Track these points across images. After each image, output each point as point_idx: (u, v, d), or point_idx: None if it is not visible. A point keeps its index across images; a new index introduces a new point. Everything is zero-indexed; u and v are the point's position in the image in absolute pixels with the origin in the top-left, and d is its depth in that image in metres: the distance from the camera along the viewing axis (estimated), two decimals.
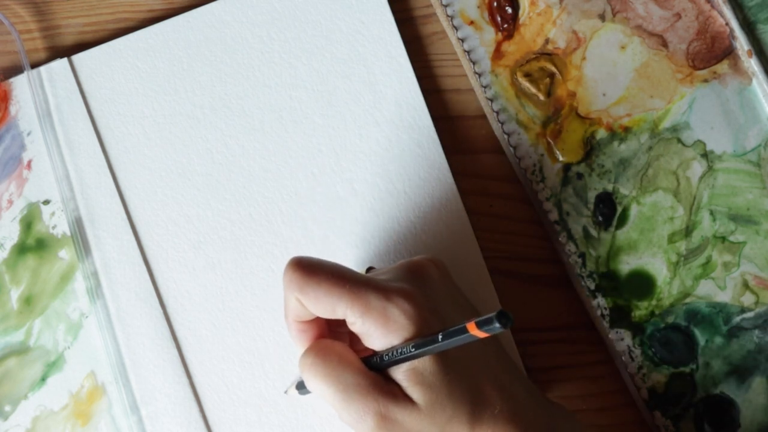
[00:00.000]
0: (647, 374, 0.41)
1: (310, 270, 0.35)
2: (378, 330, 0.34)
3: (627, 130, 0.43)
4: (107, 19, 0.44)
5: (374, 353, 0.35)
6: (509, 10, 0.43)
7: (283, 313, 0.38)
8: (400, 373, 0.34)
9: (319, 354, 0.35)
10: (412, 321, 0.34)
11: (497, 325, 0.29)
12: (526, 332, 0.42)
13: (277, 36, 0.44)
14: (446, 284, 0.38)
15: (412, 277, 0.36)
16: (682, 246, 0.42)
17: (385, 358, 0.34)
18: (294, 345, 0.37)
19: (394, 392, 0.34)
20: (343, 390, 0.34)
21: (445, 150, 0.42)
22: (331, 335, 0.38)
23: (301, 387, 0.39)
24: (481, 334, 0.30)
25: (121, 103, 0.43)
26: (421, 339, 0.33)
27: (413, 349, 0.33)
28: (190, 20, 0.44)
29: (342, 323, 0.37)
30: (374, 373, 0.35)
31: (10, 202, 0.42)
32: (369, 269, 0.42)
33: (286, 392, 0.41)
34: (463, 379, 0.34)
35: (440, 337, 0.32)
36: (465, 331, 0.31)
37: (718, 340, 0.41)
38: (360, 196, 0.42)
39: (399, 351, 0.34)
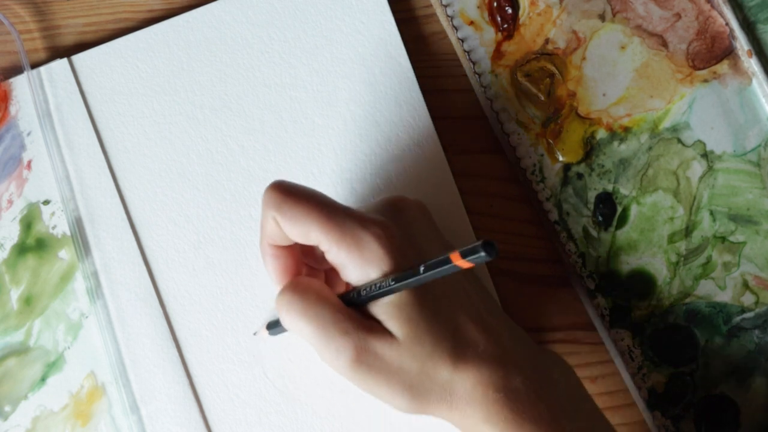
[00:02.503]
0: (647, 374, 0.41)
1: (290, 191, 0.34)
2: (353, 260, 0.34)
3: (627, 130, 0.43)
4: (107, 19, 0.44)
5: (352, 288, 0.35)
6: (509, 10, 0.43)
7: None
8: (378, 308, 0.34)
9: (296, 291, 0.34)
10: (387, 251, 0.33)
11: (483, 253, 0.28)
12: (526, 332, 0.42)
13: (277, 36, 0.44)
14: (426, 221, 0.37)
15: (391, 211, 0.36)
16: (682, 246, 0.42)
17: (363, 292, 0.34)
18: (268, 276, 0.37)
19: (372, 327, 0.34)
20: (322, 327, 0.34)
21: (445, 150, 0.42)
22: (307, 272, 0.38)
23: (271, 327, 0.39)
24: (465, 264, 0.30)
25: (121, 103, 0.43)
26: (400, 272, 0.33)
27: (393, 283, 0.32)
28: (190, 20, 0.44)
29: (320, 260, 0.37)
30: (352, 308, 0.34)
31: (10, 202, 0.42)
32: None
33: (255, 334, 0.41)
34: (444, 313, 0.34)
35: (422, 268, 0.31)
36: (448, 261, 0.30)
37: (718, 340, 0.41)
38: (360, 196, 0.42)
39: (378, 285, 0.33)
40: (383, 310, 0.34)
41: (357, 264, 0.34)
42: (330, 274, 0.38)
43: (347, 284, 0.36)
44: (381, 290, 0.33)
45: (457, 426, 0.35)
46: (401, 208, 0.37)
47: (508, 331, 0.36)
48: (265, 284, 0.41)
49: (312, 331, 0.34)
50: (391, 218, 0.35)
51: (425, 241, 0.36)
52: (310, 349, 0.41)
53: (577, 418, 0.35)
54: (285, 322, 0.35)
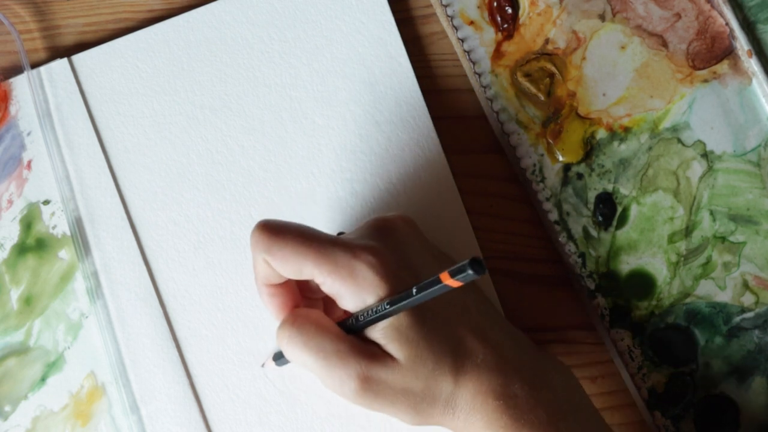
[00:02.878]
0: (647, 374, 0.41)
1: (277, 230, 0.35)
2: (348, 288, 0.34)
3: (627, 130, 0.43)
4: (107, 19, 0.44)
5: (350, 315, 0.35)
6: (509, 10, 0.43)
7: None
8: (377, 332, 0.34)
9: (296, 324, 0.35)
10: (381, 277, 0.34)
11: (470, 272, 0.29)
12: (526, 332, 0.42)
13: (277, 36, 0.44)
14: (416, 238, 0.38)
15: (379, 234, 0.36)
16: (682, 246, 0.42)
17: (361, 318, 0.34)
18: (268, 313, 0.37)
19: (373, 352, 0.34)
20: (323, 357, 0.34)
21: (445, 150, 0.42)
22: (304, 303, 0.38)
23: (278, 358, 0.39)
24: (455, 284, 0.30)
25: (121, 103, 0.43)
26: (395, 295, 0.33)
27: (388, 306, 0.33)
28: (190, 20, 0.44)
29: (315, 290, 0.37)
30: (352, 336, 0.35)
31: (10, 202, 0.42)
32: (339, 234, 0.42)
33: (263, 366, 0.41)
34: (442, 329, 0.34)
35: (414, 290, 0.32)
36: (439, 281, 0.31)
37: (718, 340, 0.41)
38: (360, 196, 0.42)
39: (374, 310, 0.33)
40: (382, 334, 0.34)
41: (352, 292, 0.34)
42: (327, 300, 0.38)
43: (345, 310, 0.36)
44: (378, 314, 0.33)
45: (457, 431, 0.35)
46: (388, 228, 0.37)
47: (507, 338, 0.36)
48: None
49: (314, 363, 0.34)
50: (380, 241, 0.35)
51: (417, 257, 0.36)
52: None
53: (576, 421, 0.35)
54: (288, 355, 0.35)
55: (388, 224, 0.37)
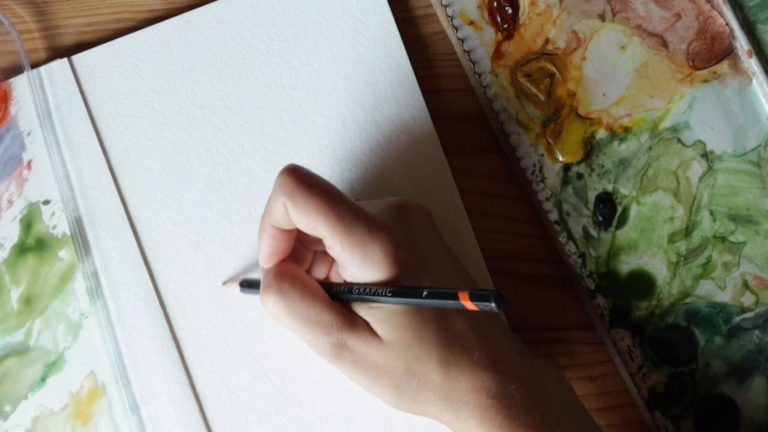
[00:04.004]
0: (647, 374, 0.41)
1: (306, 181, 0.34)
2: (355, 261, 0.34)
3: (627, 130, 0.43)
4: (107, 19, 0.44)
5: (344, 283, 0.35)
6: (509, 10, 0.43)
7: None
8: (365, 309, 0.34)
9: (283, 290, 0.35)
10: (391, 261, 0.34)
11: (493, 304, 0.29)
12: (526, 332, 0.42)
13: (277, 36, 0.44)
14: (433, 231, 0.37)
15: (399, 217, 0.36)
16: (682, 246, 0.42)
17: (354, 291, 0.34)
18: (258, 247, 0.37)
19: (357, 325, 0.34)
20: (307, 325, 0.34)
21: (445, 150, 0.42)
22: (297, 251, 0.37)
23: (245, 286, 0.39)
24: (471, 306, 0.30)
25: (121, 103, 0.43)
26: (401, 288, 0.33)
27: (389, 295, 0.33)
28: (190, 20, 0.44)
29: (314, 243, 0.37)
30: (338, 304, 0.35)
31: (10, 202, 0.42)
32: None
33: (224, 284, 0.41)
34: (436, 322, 0.34)
35: (425, 293, 0.32)
36: (455, 297, 0.30)
37: (718, 340, 0.41)
38: (360, 196, 0.42)
39: (371, 290, 0.33)
40: (371, 312, 0.34)
41: (358, 266, 0.34)
42: (321, 254, 0.38)
43: (332, 264, 0.36)
44: (374, 296, 0.33)
45: (452, 429, 0.35)
46: (410, 214, 0.37)
47: (506, 339, 0.36)
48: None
49: (296, 326, 0.35)
50: (398, 224, 0.35)
51: (430, 251, 0.36)
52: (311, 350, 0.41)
53: (571, 425, 0.35)
54: (270, 312, 0.35)
55: (410, 210, 0.37)
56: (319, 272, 0.38)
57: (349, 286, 0.34)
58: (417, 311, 0.34)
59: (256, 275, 0.41)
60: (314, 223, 0.34)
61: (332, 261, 0.38)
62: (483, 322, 0.36)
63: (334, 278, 0.37)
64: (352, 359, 0.34)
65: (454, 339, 0.34)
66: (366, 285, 0.34)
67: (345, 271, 0.35)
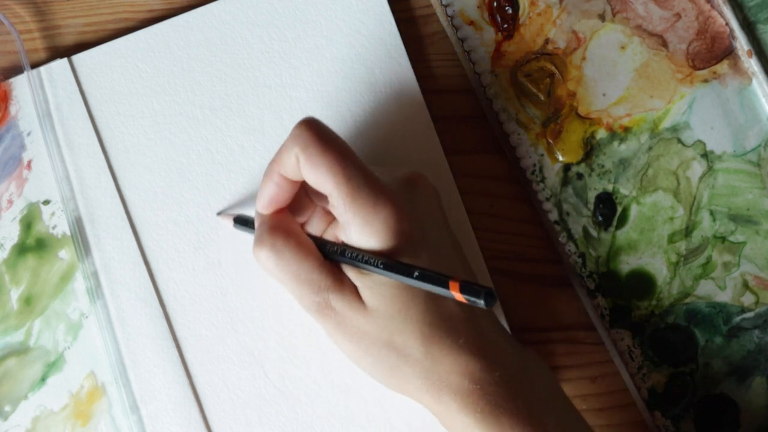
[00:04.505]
0: (647, 374, 0.41)
1: (323, 136, 0.34)
2: (355, 225, 0.34)
3: (627, 130, 0.43)
4: (107, 19, 0.44)
5: (340, 244, 0.35)
6: (509, 10, 0.43)
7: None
8: (355, 273, 0.34)
9: (276, 245, 0.35)
10: (391, 232, 0.34)
11: (481, 301, 0.29)
12: (526, 332, 0.42)
13: (277, 36, 0.44)
14: (439, 212, 0.37)
15: (408, 189, 0.36)
16: (682, 246, 0.42)
17: (347, 255, 0.34)
18: (259, 191, 0.37)
19: (345, 289, 0.34)
20: (297, 282, 0.34)
21: (445, 150, 0.42)
22: (300, 200, 0.37)
23: (239, 222, 0.39)
24: (459, 297, 0.30)
25: (121, 103, 0.43)
26: (394, 262, 0.33)
27: (380, 267, 0.32)
28: (190, 20, 0.44)
29: (318, 196, 0.37)
30: (330, 264, 0.35)
31: (10, 202, 0.42)
32: None
33: (218, 214, 0.41)
34: (424, 299, 0.34)
35: (416, 273, 0.32)
36: (446, 285, 0.30)
37: (718, 340, 0.41)
38: None
39: (364, 257, 0.33)
40: (361, 278, 0.34)
41: (357, 232, 0.34)
42: (319, 209, 0.38)
43: (331, 222, 0.36)
44: (366, 263, 0.33)
45: (434, 413, 0.35)
46: (419, 189, 0.36)
47: (495, 329, 0.36)
48: (266, 286, 0.41)
49: (286, 282, 0.35)
50: (407, 197, 0.35)
51: (432, 231, 0.36)
52: (312, 349, 0.41)
53: (554, 415, 0.35)
54: (261, 265, 0.35)
55: (419, 185, 0.37)
56: (317, 227, 0.38)
57: (342, 248, 0.34)
58: (407, 290, 0.34)
59: (250, 211, 0.41)
60: (323, 179, 0.34)
61: (332, 218, 0.37)
62: (475, 309, 0.35)
63: (329, 235, 0.37)
64: (335, 320, 0.34)
65: (441, 320, 0.34)
66: (360, 251, 0.34)
67: (343, 232, 0.34)
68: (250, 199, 0.42)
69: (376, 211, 0.34)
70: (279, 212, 0.37)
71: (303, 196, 0.38)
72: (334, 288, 0.34)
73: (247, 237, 0.42)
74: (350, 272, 0.35)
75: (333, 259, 0.35)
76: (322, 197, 0.37)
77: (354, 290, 0.34)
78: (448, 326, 0.34)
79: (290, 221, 0.36)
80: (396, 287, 0.34)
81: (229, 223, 0.41)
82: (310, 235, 0.37)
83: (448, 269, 0.35)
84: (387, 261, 0.33)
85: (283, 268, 0.35)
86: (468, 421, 0.33)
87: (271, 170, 0.36)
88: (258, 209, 0.37)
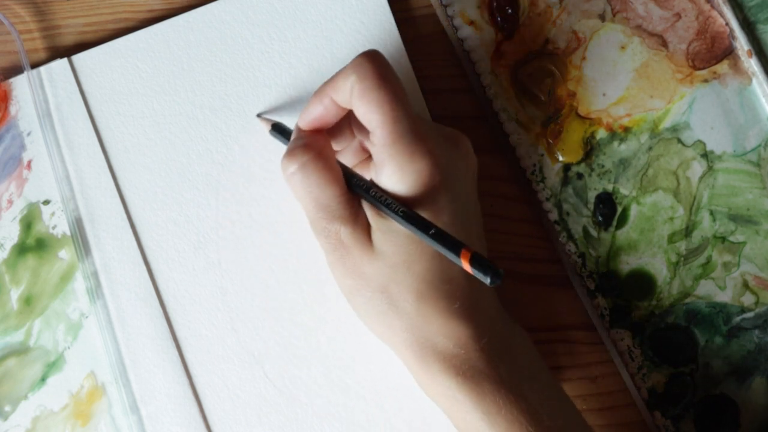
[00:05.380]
0: (647, 374, 0.41)
1: (382, 70, 0.34)
2: (387, 169, 0.34)
3: (627, 130, 0.43)
4: (107, 19, 0.44)
5: (367, 180, 0.35)
6: (509, 10, 0.43)
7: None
8: (372, 213, 0.34)
9: (307, 166, 0.35)
10: (421, 184, 0.34)
11: (488, 278, 0.29)
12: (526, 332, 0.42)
13: (277, 36, 0.44)
14: (472, 175, 0.37)
15: (449, 144, 0.36)
16: (682, 246, 0.42)
17: (372, 192, 0.34)
18: (306, 107, 0.37)
19: (358, 226, 0.34)
20: (314, 205, 0.35)
21: None
22: (342, 128, 0.37)
23: (277, 130, 0.39)
24: (466, 266, 0.30)
25: (121, 103, 0.43)
26: (414, 214, 0.33)
27: (400, 214, 0.33)
28: (190, 20, 0.44)
29: (360, 130, 0.37)
30: (351, 197, 0.35)
31: (10, 202, 0.42)
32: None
33: (258, 116, 0.41)
34: (431, 257, 0.34)
35: (432, 231, 0.32)
36: (457, 251, 0.31)
37: (718, 340, 0.41)
38: None
39: (387, 201, 0.33)
40: (377, 220, 0.34)
41: (390, 174, 0.34)
42: (357, 143, 0.38)
43: (365, 160, 0.36)
44: (387, 206, 0.33)
45: (412, 371, 0.35)
46: (461, 150, 0.37)
47: (488, 297, 0.36)
48: (266, 285, 0.41)
49: (304, 201, 0.35)
50: (446, 153, 0.35)
51: (461, 195, 0.36)
52: (312, 349, 0.41)
53: (537, 385, 0.35)
54: (286, 175, 0.35)
55: (462, 146, 0.37)
56: (348, 160, 0.38)
57: (369, 186, 0.34)
58: (418, 240, 0.34)
59: (289, 123, 0.41)
60: (371, 115, 0.34)
61: (365, 156, 0.37)
62: (476, 279, 0.35)
63: (360, 171, 0.37)
64: (339, 252, 0.35)
65: (441, 282, 0.34)
66: (385, 193, 0.34)
67: (375, 171, 0.35)
68: (290, 105, 0.42)
69: (413, 160, 0.33)
70: (317, 132, 0.37)
71: (345, 126, 0.38)
72: (348, 221, 0.34)
73: (247, 234, 0.42)
74: (368, 211, 0.35)
75: (356, 193, 0.35)
76: (364, 132, 0.37)
77: (366, 229, 0.34)
78: (447, 290, 0.34)
79: (326, 144, 0.36)
80: (407, 238, 0.34)
81: (267, 127, 0.41)
82: (340, 164, 0.37)
83: (463, 237, 0.35)
84: (408, 211, 0.33)
85: (306, 187, 0.35)
86: (449, 383, 0.33)
87: (323, 91, 0.36)
88: (299, 123, 0.37)
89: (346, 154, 0.38)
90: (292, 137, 0.37)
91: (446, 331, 0.34)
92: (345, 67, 0.35)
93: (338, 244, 0.35)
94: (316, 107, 0.36)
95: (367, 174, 0.36)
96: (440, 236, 0.31)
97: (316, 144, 0.35)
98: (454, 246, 0.31)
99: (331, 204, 0.34)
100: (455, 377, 0.33)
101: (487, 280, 0.29)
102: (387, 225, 0.34)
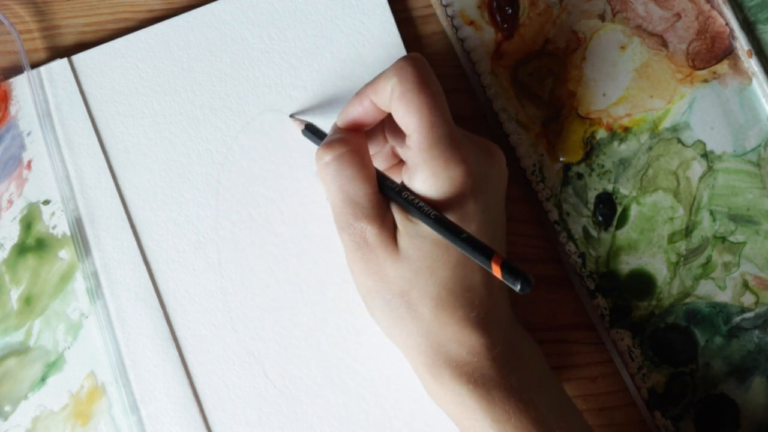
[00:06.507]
0: (647, 374, 0.41)
1: (424, 75, 0.34)
2: (422, 173, 0.34)
3: (627, 130, 0.43)
4: (107, 19, 0.44)
5: (401, 183, 0.35)
6: (509, 10, 0.43)
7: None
8: (401, 215, 0.34)
9: (342, 159, 0.35)
10: (454, 191, 0.34)
11: (518, 284, 0.29)
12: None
13: (277, 36, 0.44)
14: (502, 187, 0.37)
15: (484, 154, 0.36)
16: (682, 246, 0.42)
17: (404, 195, 0.34)
18: (345, 107, 0.37)
19: (385, 227, 0.34)
20: (343, 200, 0.35)
21: None
22: (377, 133, 0.37)
23: (310, 131, 0.39)
24: (496, 272, 0.30)
25: (121, 103, 0.43)
26: (445, 218, 0.33)
27: (432, 218, 0.33)
28: (190, 20, 0.44)
29: (395, 135, 0.37)
30: (381, 198, 0.35)
31: (10, 202, 0.42)
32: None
33: (291, 116, 0.41)
34: (455, 265, 0.34)
35: (463, 236, 0.32)
36: (488, 257, 0.31)
37: (718, 340, 0.41)
38: None
39: (419, 204, 0.33)
40: (405, 223, 0.34)
41: (423, 179, 0.34)
42: (390, 149, 0.38)
43: (396, 165, 0.36)
44: (418, 210, 0.33)
45: (421, 377, 0.35)
46: (495, 160, 0.37)
47: (504, 306, 0.36)
48: (266, 285, 0.41)
49: (333, 195, 0.35)
50: (480, 162, 0.35)
51: (491, 204, 0.36)
52: (312, 349, 0.41)
53: (545, 394, 0.35)
54: (319, 169, 0.35)
55: (496, 156, 0.37)
56: (379, 165, 0.38)
57: (401, 188, 0.34)
58: (444, 247, 0.34)
59: (324, 125, 0.41)
60: (409, 118, 0.34)
61: (395, 162, 0.38)
62: (494, 287, 0.35)
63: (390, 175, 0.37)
64: (362, 252, 0.34)
65: (462, 290, 0.34)
66: (417, 197, 0.34)
67: (407, 175, 0.35)
68: (322, 106, 0.42)
69: (447, 167, 0.34)
70: (356, 131, 0.37)
71: (378, 130, 0.38)
72: (375, 221, 0.34)
73: (247, 234, 0.42)
74: (397, 214, 0.35)
75: (387, 195, 0.35)
76: (397, 137, 0.37)
77: (392, 232, 0.34)
78: (466, 298, 0.34)
79: (363, 142, 0.36)
80: (433, 244, 0.34)
81: (300, 127, 0.41)
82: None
83: (492, 245, 0.35)
84: (440, 215, 0.33)
85: (338, 181, 0.35)
86: (460, 390, 0.34)
87: (364, 93, 0.36)
88: (337, 122, 0.37)
89: (376, 158, 0.38)
90: (330, 132, 0.37)
91: (461, 339, 0.34)
92: (386, 70, 0.35)
93: (362, 242, 0.34)
94: (356, 108, 0.36)
95: (397, 179, 0.36)
96: (471, 242, 0.32)
97: (354, 140, 0.36)
98: (486, 252, 0.31)
99: (360, 201, 0.34)
100: (466, 384, 0.33)
101: (518, 287, 0.30)
102: (415, 229, 0.34)
